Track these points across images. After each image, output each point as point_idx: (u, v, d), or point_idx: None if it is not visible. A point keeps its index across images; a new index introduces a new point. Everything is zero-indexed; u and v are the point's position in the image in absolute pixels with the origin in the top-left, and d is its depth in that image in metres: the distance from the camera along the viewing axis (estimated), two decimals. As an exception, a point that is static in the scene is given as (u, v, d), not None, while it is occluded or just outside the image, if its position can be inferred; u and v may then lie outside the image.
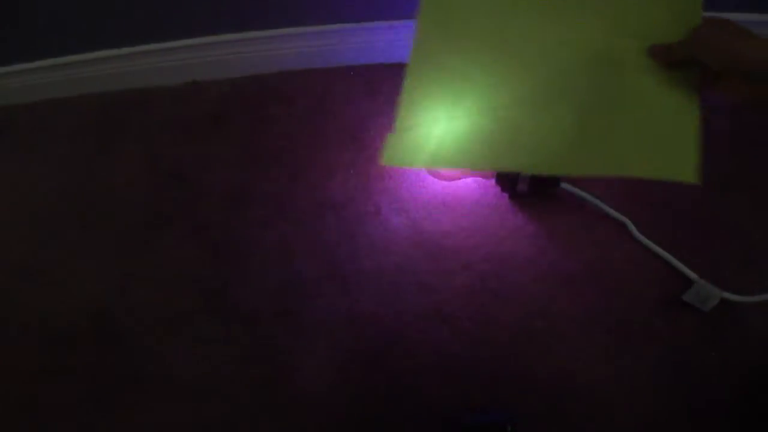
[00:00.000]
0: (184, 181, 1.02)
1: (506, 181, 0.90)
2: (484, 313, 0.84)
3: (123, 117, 1.12)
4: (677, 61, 0.49)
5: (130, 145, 1.07)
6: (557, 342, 0.81)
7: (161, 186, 1.02)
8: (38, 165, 1.07)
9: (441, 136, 0.52)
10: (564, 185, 0.90)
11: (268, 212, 0.96)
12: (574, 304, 0.84)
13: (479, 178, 0.95)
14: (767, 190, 0.92)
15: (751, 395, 0.76)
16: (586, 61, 0.52)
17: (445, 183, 0.95)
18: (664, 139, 0.50)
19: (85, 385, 0.84)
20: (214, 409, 0.81)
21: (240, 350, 0.85)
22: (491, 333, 0.83)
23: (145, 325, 0.88)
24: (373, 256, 0.90)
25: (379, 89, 1.06)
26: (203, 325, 0.87)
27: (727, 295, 0.80)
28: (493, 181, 0.92)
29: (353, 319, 0.85)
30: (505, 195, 0.93)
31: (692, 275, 0.83)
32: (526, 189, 0.89)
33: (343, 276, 0.89)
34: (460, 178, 0.94)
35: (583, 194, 0.90)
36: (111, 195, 1.02)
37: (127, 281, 0.92)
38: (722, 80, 0.47)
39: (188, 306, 0.89)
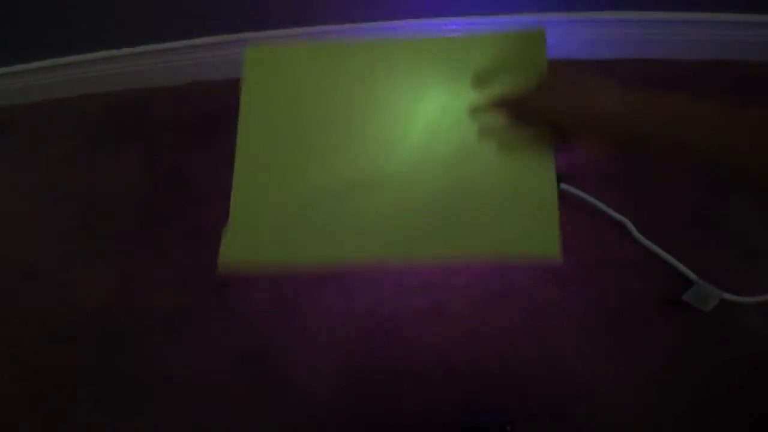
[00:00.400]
0: (184, 181, 1.02)
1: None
2: (484, 313, 0.84)
3: (123, 117, 1.12)
4: (528, 115, 0.44)
5: (130, 145, 1.07)
6: (557, 342, 0.81)
7: (161, 186, 1.02)
8: (38, 165, 1.07)
9: (280, 226, 0.46)
10: (564, 186, 0.90)
11: (268, 212, 0.96)
12: (574, 304, 0.84)
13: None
14: (767, 190, 0.92)
15: (751, 395, 0.75)
16: (430, 126, 0.46)
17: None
18: (521, 211, 0.44)
19: (85, 385, 0.84)
20: (214, 409, 0.81)
21: (240, 350, 0.85)
22: (491, 333, 0.83)
23: (145, 325, 0.88)
24: (373, 256, 0.90)
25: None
26: (203, 325, 0.87)
27: (727, 295, 0.80)
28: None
29: (353, 319, 0.85)
30: (505, 195, 0.93)
31: (692, 275, 0.83)
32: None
33: (343, 276, 0.89)
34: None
35: (584, 195, 0.90)
36: (111, 195, 1.02)
37: (127, 281, 0.92)
38: (578, 134, 0.42)
39: (188, 306, 0.89)
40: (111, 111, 1.13)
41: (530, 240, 0.44)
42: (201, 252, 0.95)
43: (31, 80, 1.12)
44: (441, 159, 0.46)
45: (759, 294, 0.80)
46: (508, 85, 0.45)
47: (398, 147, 0.47)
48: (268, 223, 0.47)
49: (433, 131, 0.47)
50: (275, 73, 0.50)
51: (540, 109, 0.42)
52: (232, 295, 0.89)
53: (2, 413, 0.83)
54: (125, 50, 1.08)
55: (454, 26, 1.01)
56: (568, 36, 1.01)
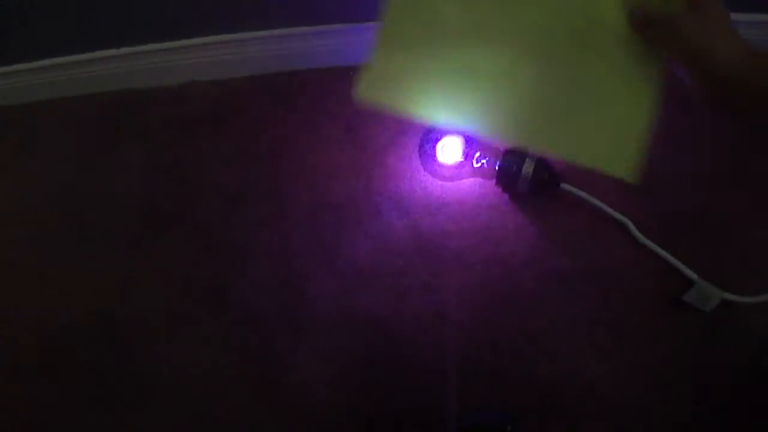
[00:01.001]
0: (184, 181, 1.02)
1: (507, 180, 0.90)
2: (484, 313, 0.84)
3: (122, 117, 1.12)
4: (649, 36, 0.45)
5: (129, 145, 1.07)
6: (557, 342, 0.81)
7: (161, 186, 1.02)
8: (38, 165, 1.07)
9: (418, 77, 0.50)
10: (565, 186, 0.90)
11: (267, 212, 0.96)
12: (574, 304, 0.84)
13: (480, 179, 0.95)
14: (767, 190, 0.92)
15: (751, 395, 0.76)
16: (562, 23, 0.48)
17: (445, 183, 0.95)
18: (612, 128, 0.47)
19: (85, 385, 0.84)
20: (214, 409, 0.81)
21: (240, 350, 0.85)
22: (491, 333, 0.83)
23: (145, 325, 0.88)
24: (373, 257, 0.90)
25: (379, 89, 1.06)
26: (203, 325, 0.87)
27: (727, 295, 0.80)
28: (493, 181, 0.92)
29: (353, 319, 0.85)
30: (506, 195, 0.93)
31: (692, 275, 0.83)
32: (527, 189, 0.89)
33: (343, 276, 0.89)
34: (460, 179, 0.94)
35: (584, 195, 0.90)
36: (111, 195, 1.02)
37: (127, 281, 0.92)
38: (688, 72, 0.43)
39: (188, 306, 0.89)
40: (110, 111, 1.13)
41: (609, 156, 0.46)
42: (201, 252, 0.95)
43: (31, 80, 1.12)
44: (564, 58, 0.48)
45: (759, 294, 0.80)
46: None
47: (534, 33, 0.49)
48: (408, 71, 0.50)
49: (564, 29, 0.48)
50: None
51: (662, 34, 0.44)
52: (232, 295, 0.89)
53: (1, 413, 0.83)
54: (125, 50, 1.08)
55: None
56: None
